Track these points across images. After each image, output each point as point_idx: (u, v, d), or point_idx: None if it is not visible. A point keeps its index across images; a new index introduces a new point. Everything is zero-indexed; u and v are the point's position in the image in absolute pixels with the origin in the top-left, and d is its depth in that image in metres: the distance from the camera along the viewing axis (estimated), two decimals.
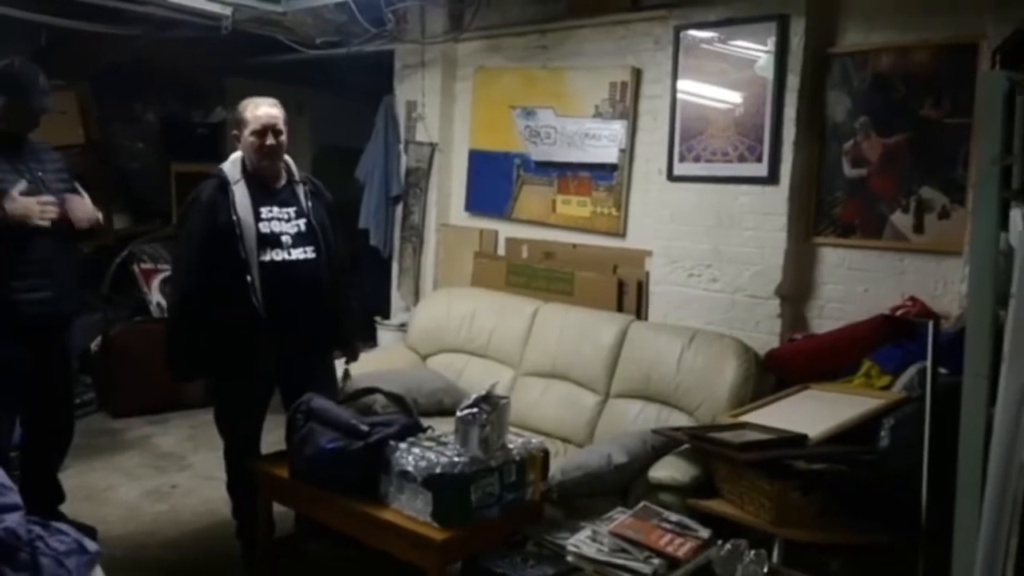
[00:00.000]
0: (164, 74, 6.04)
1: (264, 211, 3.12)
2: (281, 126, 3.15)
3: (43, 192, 3.15)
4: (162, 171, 6.12)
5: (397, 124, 5.26)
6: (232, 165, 3.17)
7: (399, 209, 5.28)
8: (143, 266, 5.57)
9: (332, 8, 4.68)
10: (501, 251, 4.88)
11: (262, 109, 3.14)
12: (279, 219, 3.15)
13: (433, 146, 5.10)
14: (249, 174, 3.15)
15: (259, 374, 3.16)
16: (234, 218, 3.05)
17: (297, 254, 3.15)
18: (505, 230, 4.86)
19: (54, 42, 5.17)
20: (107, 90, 5.72)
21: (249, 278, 3.03)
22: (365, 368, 3.88)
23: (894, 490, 2.73)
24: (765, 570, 2.43)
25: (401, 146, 5.24)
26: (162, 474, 4.30)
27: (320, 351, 3.36)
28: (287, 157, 3.26)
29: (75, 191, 3.33)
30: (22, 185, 3.06)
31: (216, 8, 4.56)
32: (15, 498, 1.88)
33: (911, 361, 3.06)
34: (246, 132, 3.13)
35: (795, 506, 2.75)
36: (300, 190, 3.25)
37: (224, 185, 3.10)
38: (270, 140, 3.11)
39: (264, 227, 3.10)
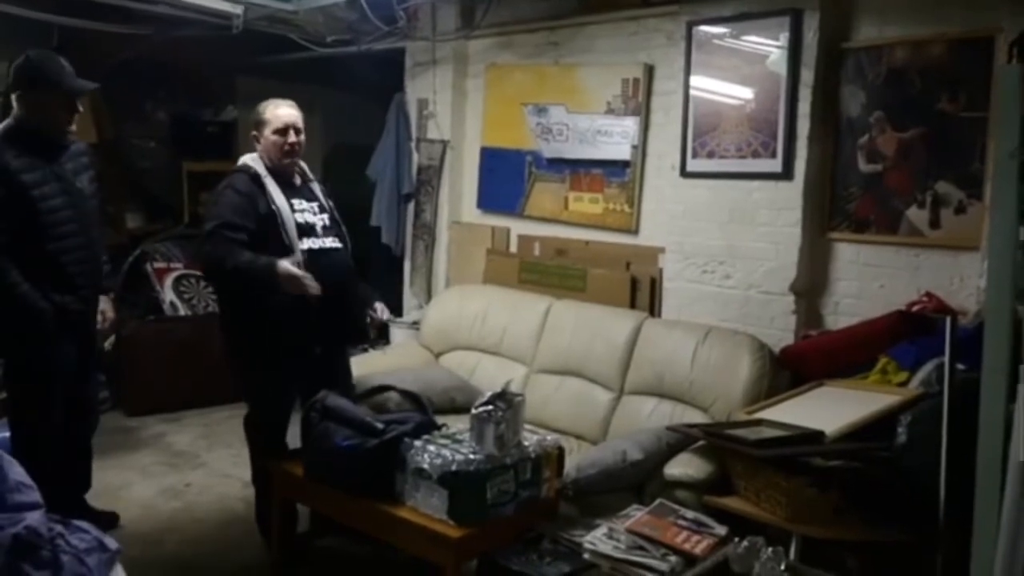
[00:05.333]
0: (175, 73, 6.05)
1: (295, 203, 3.23)
2: (300, 125, 3.26)
3: (78, 200, 3.20)
4: (174, 170, 6.13)
5: (408, 122, 5.25)
6: (255, 162, 3.24)
7: (411, 207, 5.28)
8: (156, 265, 5.58)
9: (343, 6, 4.67)
10: (513, 248, 4.88)
11: (283, 109, 3.25)
12: (309, 211, 3.26)
13: (445, 143, 5.10)
14: (270, 171, 3.23)
15: (302, 361, 3.23)
16: (273, 208, 3.15)
17: (329, 242, 3.27)
18: (517, 227, 4.86)
19: (66, 41, 5.19)
20: (118, 89, 5.72)
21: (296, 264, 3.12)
22: (378, 366, 3.88)
23: (911, 487, 2.72)
24: (782, 567, 2.42)
25: (412, 144, 5.24)
26: (177, 472, 4.32)
27: (343, 343, 3.51)
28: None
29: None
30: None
31: (227, 7, 4.56)
32: (36, 496, 1.90)
33: (928, 357, 3.05)
34: (267, 131, 3.23)
35: (812, 503, 2.74)
36: (316, 188, 3.39)
37: (257, 178, 3.19)
38: (292, 138, 3.22)
39: (299, 217, 3.21)
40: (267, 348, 3.18)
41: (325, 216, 3.31)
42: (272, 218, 3.13)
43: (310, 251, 3.17)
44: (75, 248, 3.18)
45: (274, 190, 3.18)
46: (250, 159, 3.27)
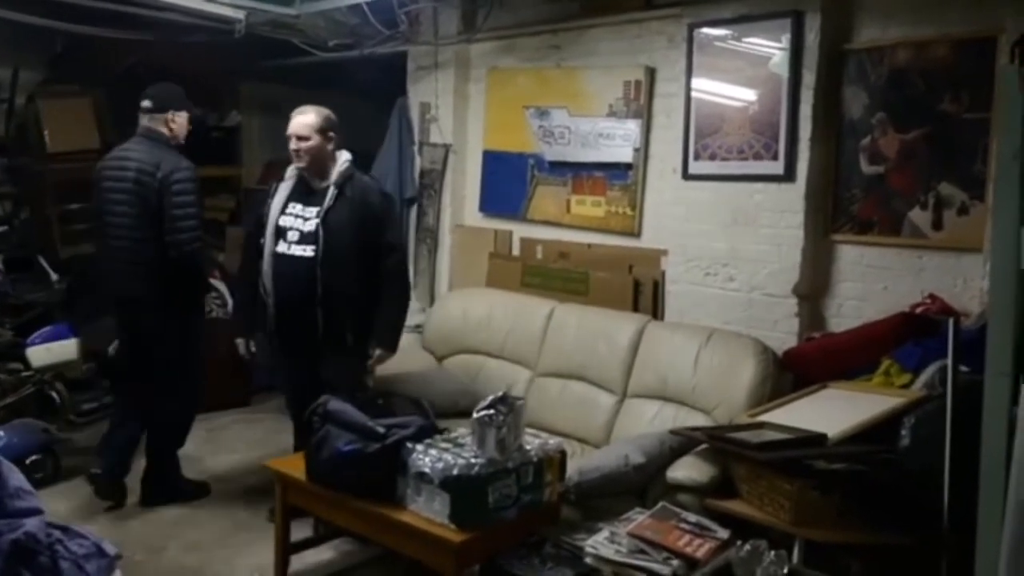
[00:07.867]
0: (178, 78, 6.04)
1: (290, 206, 3.45)
2: (305, 132, 3.42)
3: None
4: None
5: (411, 126, 5.26)
6: (295, 167, 3.54)
7: (413, 211, 5.29)
8: None
9: (345, 11, 4.69)
10: (516, 252, 4.87)
11: (294, 118, 3.48)
12: (299, 216, 3.43)
13: (447, 147, 5.11)
14: (300, 173, 3.51)
15: (288, 357, 3.56)
16: (265, 209, 3.46)
17: (296, 250, 3.40)
18: (520, 231, 4.86)
19: (69, 48, 5.21)
20: (122, 95, 5.73)
21: (263, 265, 3.40)
22: (381, 370, 3.86)
23: (915, 489, 2.71)
24: (785, 571, 2.42)
25: (415, 148, 5.25)
26: None
27: (327, 353, 3.47)
28: (343, 161, 3.51)
29: None
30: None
31: (229, 12, 4.58)
32: (35, 502, 1.90)
33: (931, 359, 3.03)
34: None
35: (815, 506, 2.73)
36: (330, 192, 3.43)
37: (283, 180, 3.53)
38: (293, 144, 3.44)
39: (283, 221, 3.43)
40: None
41: (316, 222, 3.37)
42: (262, 219, 3.50)
43: (278, 254, 3.41)
44: None
45: (280, 192, 3.47)
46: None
